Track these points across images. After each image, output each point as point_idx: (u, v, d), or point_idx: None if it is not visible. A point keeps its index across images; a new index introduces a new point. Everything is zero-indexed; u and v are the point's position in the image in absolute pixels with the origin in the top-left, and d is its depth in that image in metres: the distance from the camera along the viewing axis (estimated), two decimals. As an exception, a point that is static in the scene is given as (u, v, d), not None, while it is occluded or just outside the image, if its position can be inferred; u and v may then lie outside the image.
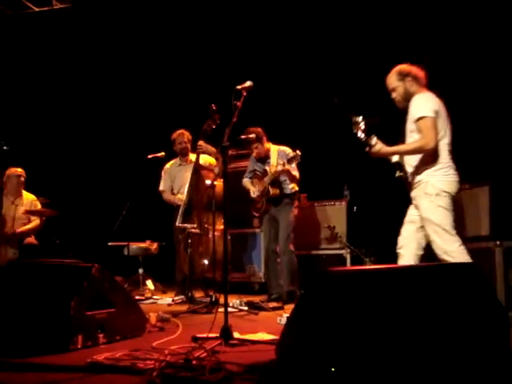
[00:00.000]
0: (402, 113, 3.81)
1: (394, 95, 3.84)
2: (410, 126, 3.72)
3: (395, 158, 3.90)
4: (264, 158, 5.66)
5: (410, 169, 3.79)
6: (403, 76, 3.77)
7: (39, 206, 6.29)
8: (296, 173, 5.45)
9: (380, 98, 4.08)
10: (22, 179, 6.23)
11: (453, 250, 3.51)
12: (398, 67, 3.82)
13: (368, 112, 3.85)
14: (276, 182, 5.47)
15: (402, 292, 2.26)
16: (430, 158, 3.63)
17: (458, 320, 2.24)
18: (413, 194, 3.77)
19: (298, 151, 5.13)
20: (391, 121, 3.95)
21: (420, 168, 3.69)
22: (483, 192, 4.92)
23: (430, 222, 3.60)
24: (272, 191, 5.47)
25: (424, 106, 3.62)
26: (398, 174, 3.88)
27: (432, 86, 3.84)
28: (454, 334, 2.19)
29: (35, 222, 6.17)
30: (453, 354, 2.13)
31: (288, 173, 5.38)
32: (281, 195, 5.51)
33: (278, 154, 5.54)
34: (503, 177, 5.05)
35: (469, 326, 2.24)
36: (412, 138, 3.72)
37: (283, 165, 5.27)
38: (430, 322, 2.17)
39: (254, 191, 5.68)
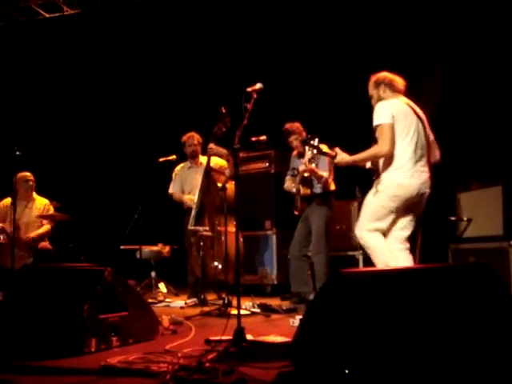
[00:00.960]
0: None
1: (372, 102, 4.08)
2: (377, 132, 3.94)
3: (368, 165, 4.15)
4: (301, 155, 5.51)
5: (379, 168, 4.01)
6: (377, 84, 4.05)
7: (52, 210, 6.32)
8: (324, 173, 5.28)
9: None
10: (31, 183, 6.25)
11: (360, 236, 3.94)
12: (374, 76, 4.09)
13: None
14: (307, 181, 5.33)
15: (415, 293, 2.24)
16: (388, 160, 3.86)
17: (472, 321, 2.22)
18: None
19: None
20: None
21: (382, 167, 3.94)
22: (496, 191, 4.87)
23: (364, 205, 4.00)
24: (302, 191, 5.37)
25: (380, 113, 3.85)
26: (368, 165, 4.15)
27: (443, 88, 3.90)
28: (467, 335, 2.17)
29: (46, 226, 6.21)
30: (467, 355, 2.11)
31: (313, 172, 5.21)
32: (311, 195, 5.39)
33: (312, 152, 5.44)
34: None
35: (483, 326, 2.22)
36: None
37: (305, 165, 5.18)
38: (443, 323, 2.15)
39: (289, 186, 5.60)
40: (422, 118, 3.94)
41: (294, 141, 5.50)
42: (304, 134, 5.47)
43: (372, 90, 4.07)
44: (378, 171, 4.02)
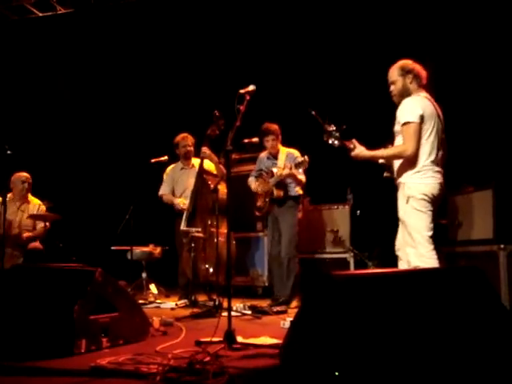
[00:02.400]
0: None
1: (391, 88, 3.89)
2: (397, 127, 3.79)
3: (381, 160, 3.98)
4: (272, 158, 5.67)
5: (395, 170, 3.87)
6: (405, 72, 3.80)
7: (44, 210, 6.30)
8: (302, 177, 5.46)
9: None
10: (27, 184, 6.24)
11: (422, 254, 3.60)
12: (402, 61, 3.86)
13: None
14: (281, 183, 5.46)
15: (405, 296, 2.25)
16: (409, 160, 3.71)
17: (462, 324, 2.24)
18: (398, 194, 3.85)
19: (306, 157, 5.12)
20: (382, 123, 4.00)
21: (401, 170, 3.79)
22: (487, 195, 4.90)
23: (405, 222, 3.72)
24: (276, 193, 5.47)
25: (410, 111, 3.68)
26: (385, 174, 3.99)
27: (435, 90, 3.87)
28: (457, 338, 2.19)
29: (40, 229, 6.18)
30: (457, 358, 2.12)
31: (294, 177, 5.38)
32: (285, 197, 5.50)
33: (287, 156, 5.54)
34: (507, 180, 5.04)
35: (472, 329, 2.24)
36: (398, 139, 3.80)
37: (290, 168, 5.26)
38: (433, 326, 2.16)
39: (257, 188, 5.71)
40: (440, 117, 3.82)
41: (271, 141, 5.58)
42: (280, 136, 5.59)
43: (397, 76, 3.82)
44: (391, 169, 3.91)
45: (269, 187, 5.53)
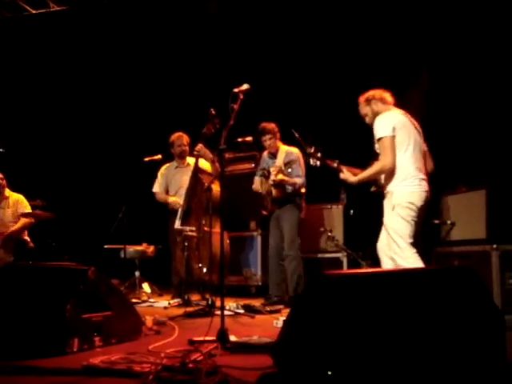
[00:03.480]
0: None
1: (367, 120, 4.19)
2: (376, 145, 4.04)
3: (373, 188, 4.27)
4: (273, 157, 5.63)
5: (382, 181, 4.11)
6: (368, 101, 4.14)
7: (28, 207, 6.23)
8: (298, 179, 5.39)
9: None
10: (1, 181, 6.12)
11: (408, 256, 3.82)
12: (362, 96, 4.19)
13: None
14: (279, 184, 5.40)
15: (398, 295, 2.26)
16: (392, 171, 3.94)
17: (454, 323, 2.24)
18: (384, 202, 4.08)
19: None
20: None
21: (387, 180, 4.02)
22: (480, 195, 4.91)
23: (390, 228, 3.94)
24: (274, 192, 5.44)
25: (381, 126, 3.94)
26: (372, 188, 4.27)
27: (430, 93, 3.97)
28: (449, 338, 2.19)
29: (22, 220, 6.10)
30: (449, 358, 2.13)
31: (286, 182, 5.33)
32: (284, 197, 5.46)
33: (286, 155, 5.48)
34: (500, 180, 5.06)
35: (465, 329, 2.25)
36: (380, 155, 4.03)
37: (276, 174, 5.24)
38: (425, 326, 2.17)
39: (259, 190, 5.68)
40: (418, 129, 4.05)
41: (268, 140, 5.56)
42: (278, 135, 5.56)
43: (364, 108, 4.16)
44: (378, 182, 4.14)
45: (269, 187, 5.50)
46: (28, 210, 6.21)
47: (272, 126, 5.57)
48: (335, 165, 4.22)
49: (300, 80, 7.17)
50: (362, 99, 4.18)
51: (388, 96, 4.13)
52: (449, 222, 5.29)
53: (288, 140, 5.64)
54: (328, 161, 4.28)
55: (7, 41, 8.38)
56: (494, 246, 4.52)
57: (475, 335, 2.25)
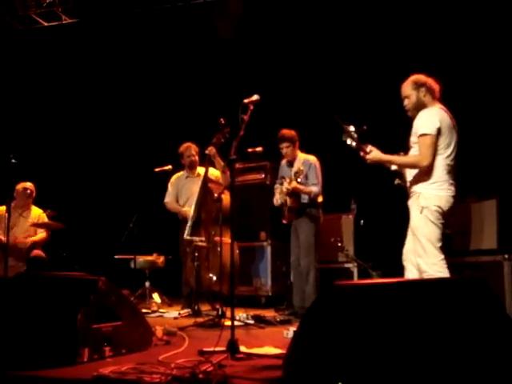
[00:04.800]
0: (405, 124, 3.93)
1: (405, 102, 3.93)
2: (413, 138, 3.84)
3: (394, 167, 4.04)
4: (290, 164, 5.57)
5: (408, 177, 3.91)
6: (418, 85, 3.86)
7: (46, 220, 6.33)
8: (314, 188, 5.34)
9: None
10: (29, 192, 6.30)
11: (434, 263, 3.68)
12: (414, 76, 3.91)
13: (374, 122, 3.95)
14: (294, 193, 5.33)
15: (409, 306, 2.24)
16: (426, 170, 3.75)
17: (466, 334, 2.22)
18: (409, 202, 3.89)
19: (301, 167, 5.10)
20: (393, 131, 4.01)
21: (416, 179, 3.82)
22: (491, 205, 4.90)
23: (417, 232, 3.76)
24: (289, 202, 5.38)
25: (427, 123, 3.73)
26: (397, 181, 4.03)
27: (439, 102, 3.90)
28: (462, 348, 2.17)
29: (42, 234, 6.21)
30: (462, 368, 2.11)
31: (299, 190, 5.28)
32: (298, 206, 5.41)
33: (303, 164, 5.39)
34: (511, 190, 5.03)
35: (477, 339, 2.22)
36: (413, 149, 3.85)
37: (289, 182, 5.22)
38: (438, 336, 2.15)
39: (277, 199, 5.59)
40: (456, 130, 3.86)
41: (285, 148, 5.51)
42: (298, 143, 5.53)
43: (410, 90, 3.88)
44: (403, 177, 3.96)
45: (284, 197, 5.44)
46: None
47: (291, 133, 5.50)
48: (368, 149, 3.92)
49: (312, 89, 7.18)
50: (411, 79, 3.90)
51: (438, 90, 3.89)
52: (460, 232, 5.26)
53: (307, 149, 5.65)
54: (362, 145, 3.94)
55: (20, 53, 8.48)
56: (506, 255, 4.50)
57: (488, 346, 2.22)
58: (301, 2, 7.11)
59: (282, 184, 5.58)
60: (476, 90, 6.12)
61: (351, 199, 6.42)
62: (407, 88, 3.90)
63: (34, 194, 6.39)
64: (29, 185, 6.33)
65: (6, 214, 5.53)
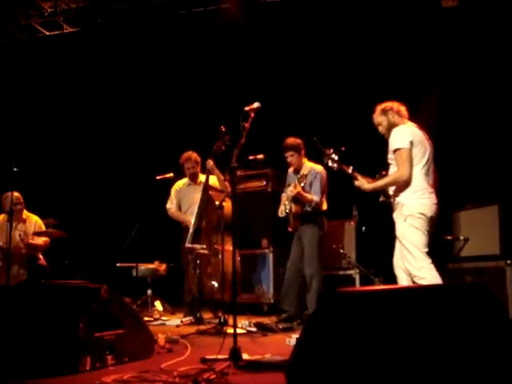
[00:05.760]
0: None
1: (380, 129, 4.27)
2: (390, 155, 4.11)
3: (381, 198, 4.27)
4: (297, 173, 5.52)
5: (391, 192, 4.15)
6: (386, 111, 4.21)
7: (43, 227, 6.29)
8: (314, 196, 5.33)
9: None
10: (19, 206, 6.14)
11: (422, 266, 3.86)
12: (380, 106, 4.26)
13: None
14: (298, 199, 5.33)
15: (412, 312, 2.24)
16: (405, 183, 4.00)
17: (469, 340, 2.22)
18: (394, 215, 4.14)
19: (303, 173, 5.13)
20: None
21: (398, 191, 4.07)
22: (493, 211, 4.89)
23: (403, 240, 3.98)
24: (294, 208, 5.36)
25: (399, 138, 4.01)
26: (381, 198, 4.28)
27: (440, 108, 4.01)
28: (464, 354, 2.17)
29: (43, 239, 6.19)
30: (464, 374, 2.10)
31: (302, 196, 5.26)
32: (303, 213, 5.40)
33: (309, 172, 5.37)
34: (513, 195, 5.03)
35: (480, 345, 2.22)
36: (392, 165, 4.11)
37: (294, 187, 5.21)
38: (440, 343, 2.15)
39: (282, 211, 5.58)
40: (430, 144, 4.12)
41: (290, 157, 5.50)
42: (303, 151, 5.52)
43: (380, 117, 4.22)
44: (386, 193, 4.17)
45: (289, 203, 5.43)
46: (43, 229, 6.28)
47: (296, 142, 5.48)
48: (350, 170, 4.29)
49: (312, 96, 7.20)
50: (379, 108, 4.25)
51: (404, 110, 4.21)
52: (461, 237, 5.26)
53: (314, 157, 5.65)
54: (344, 166, 4.34)
55: (22, 62, 8.51)
56: (508, 261, 4.49)
57: (490, 351, 2.22)
58: (297, 15, 7.15)
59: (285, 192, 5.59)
60: (477, 96, 6.14)
61: (352, 206, 6.42)
62: (377, 117, 4.24)
63: (23, 205, 6.23)
64: (16, 196, 6.04)
65: (8, 223, 5.52)
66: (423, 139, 4.07)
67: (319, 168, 5.45)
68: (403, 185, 4.00)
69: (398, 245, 4.10)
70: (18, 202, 6.12)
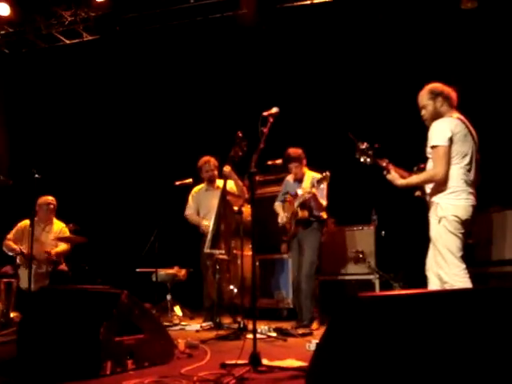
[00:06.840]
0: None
1: (423, 112, 3.90)
2: (428, 149, 3.80)
3: (417, 192, 4.02)
4: (298, 181, 5.64)
5: (427, 189, 3.87)
6: (435, 95, 3.80)
7: (68, 234, 6.40)
8: (324, 201, 5.38)
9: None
10: (52, 207, 6.41)
11: (455, 273, 3.61)
12: (431, 85, 3.86)
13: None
14: (305, 204, 5.39)
15: (434, 318, 2.21)
16: (442, 181, 3.70)
17: (493, 346, 2.18)
18: (429, 214, 3.85)
19: (327, 172, 5.10)
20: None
21: (434, 190, 3.78)
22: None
23: (437, 242, 3.71)
24: (301, 213, 5.41)
25: (438, 134, 3.68)
26: (417, 193, 4.00)
27: (462, 113, 3.85)
28: (489, 361, 2.13)
29: (64, 245, 6.30)
30: (488, 381, 2.07)
31: (315, 199, 5.30)
32: (310, 219, 5.45)
33: (311, 180, 5.45)
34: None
35: (505, 352, 2.18)
36: (430, 160, 3.81)
37: (312, 187, 5.23)
38: (464, 349, 2.12)
39: (282, 217, 5.65)
40: (475, 140, 3.81)
41: (294, 168, 5.58)
42: (305, 161, 5.57)
43: (427, 100, 3.84)
44: (423, 188, 3.92)
45: (294, 209, 5.50)
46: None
47: (298, 152, 5.56)
48: (384, 164, 3.95)
49: (329, 97, 7.18)
50: (427, 88, 3.85)
51: (455, 97, 3.83)
52: (483, 242, 5.19)
53: (314, 165, 5.68)
54: (378, 160, 3.99)
55: (43, 70, 8.64)
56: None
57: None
58: (315, 20, 7.14)
59: (284, 201, 5.70)
60: (498, 100, 6.07)
61: (372, 210, 6.38)
62: (424, 98, 3.86)
63: (55, 208, 6.48)
64: (51, 199, 6.43)
65: (30, 228, 5.60)
66: (467, 135, 3.72)
67: (319, 176, 5.50)
68: (440, 183, 3.71)
69: (431, 245, 3.82)
70: (52, 203, 6.43)
